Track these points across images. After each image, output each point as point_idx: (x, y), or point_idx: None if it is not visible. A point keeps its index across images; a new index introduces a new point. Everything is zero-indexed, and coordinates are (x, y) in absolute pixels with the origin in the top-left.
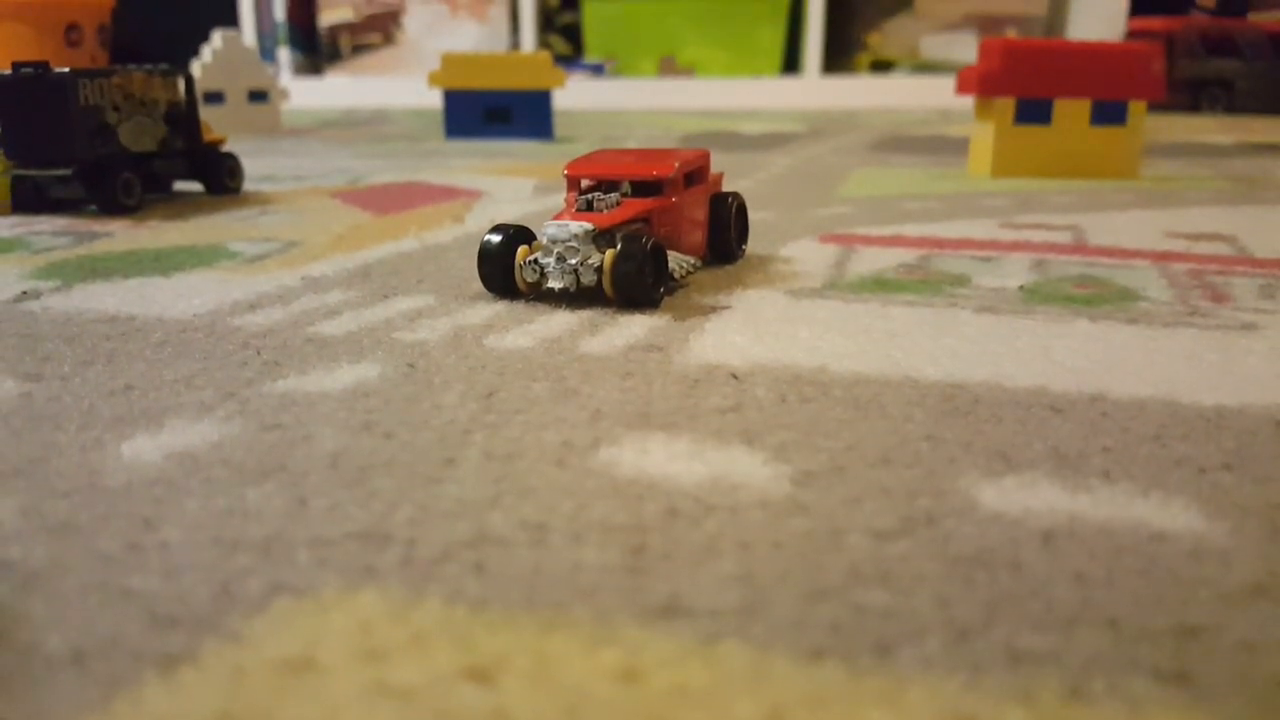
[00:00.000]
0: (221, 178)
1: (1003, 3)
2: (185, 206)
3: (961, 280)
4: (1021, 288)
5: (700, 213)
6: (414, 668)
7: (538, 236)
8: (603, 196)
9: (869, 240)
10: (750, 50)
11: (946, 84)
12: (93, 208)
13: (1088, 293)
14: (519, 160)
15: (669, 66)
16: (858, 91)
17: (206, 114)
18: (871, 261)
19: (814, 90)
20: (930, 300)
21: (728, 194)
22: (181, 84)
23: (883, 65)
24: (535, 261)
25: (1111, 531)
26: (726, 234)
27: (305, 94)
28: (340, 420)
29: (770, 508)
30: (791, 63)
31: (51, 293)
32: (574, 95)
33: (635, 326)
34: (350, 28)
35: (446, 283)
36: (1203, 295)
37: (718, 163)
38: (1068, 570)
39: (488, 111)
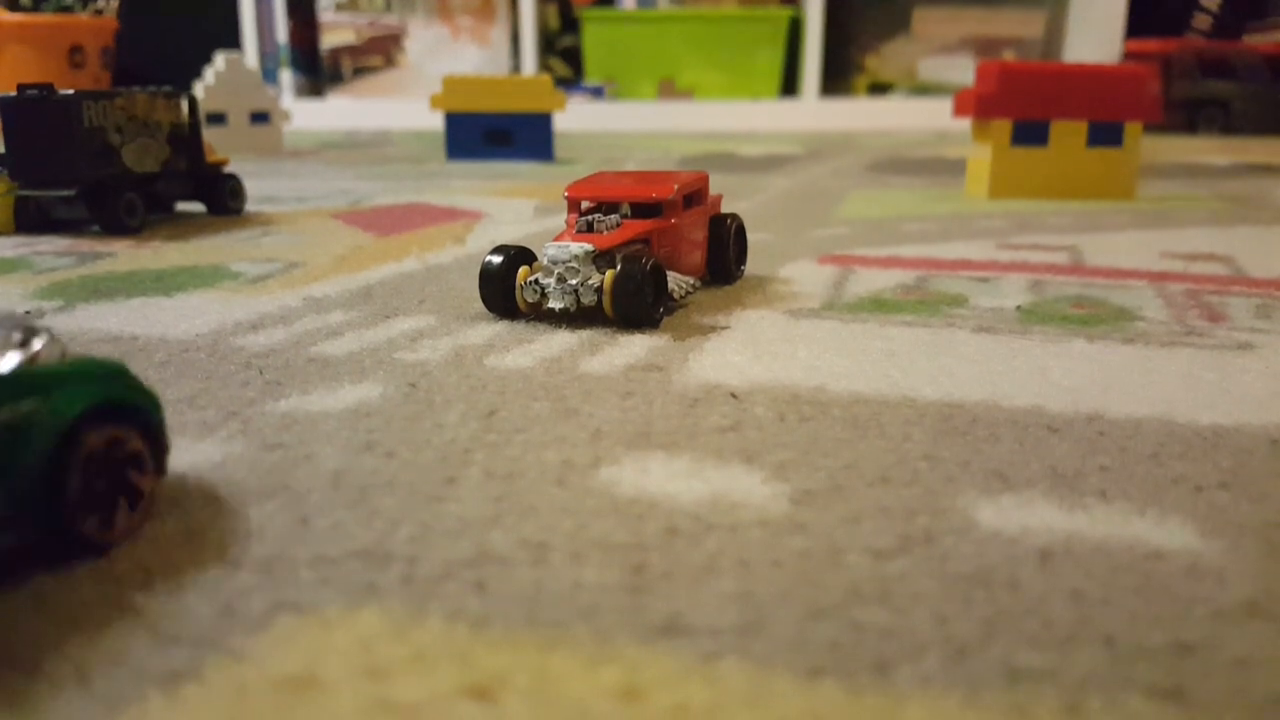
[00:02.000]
0: (224, 199)
1: (1000, 25)
2: (187, 227)
3: (959, 301)
4: (1019, 308)
5: (699, 234)
6: (415, 685)
7: (538, 257)
8: (603, 218)
9: (867, 261)
10: (749, 73)
11: (944, 106)
12: (96, 228)
13: (1085, 313)
14: (520, 182)
15: (668, 89)
16: (855, 114)
17: (209, 135)
18: (869, 282)
19: (812, 112)
20: (928, 320)
21: (726, 215)
22: (185, 105)
23: (880, 88)
24: (536, 282)
25: (1108, 550)
26: (725, 255)
27: (307, 116)
28: (342, 440)
29: (769, 526)
30: (790, 85)
31: (55, 312)
32: (574, 118)
33: (635, 346)
34: (352, 50)
35: (448, 303)
36: (1199, 315)
37: (716, 184)
38: (1065, 588)
39: (489, 134)
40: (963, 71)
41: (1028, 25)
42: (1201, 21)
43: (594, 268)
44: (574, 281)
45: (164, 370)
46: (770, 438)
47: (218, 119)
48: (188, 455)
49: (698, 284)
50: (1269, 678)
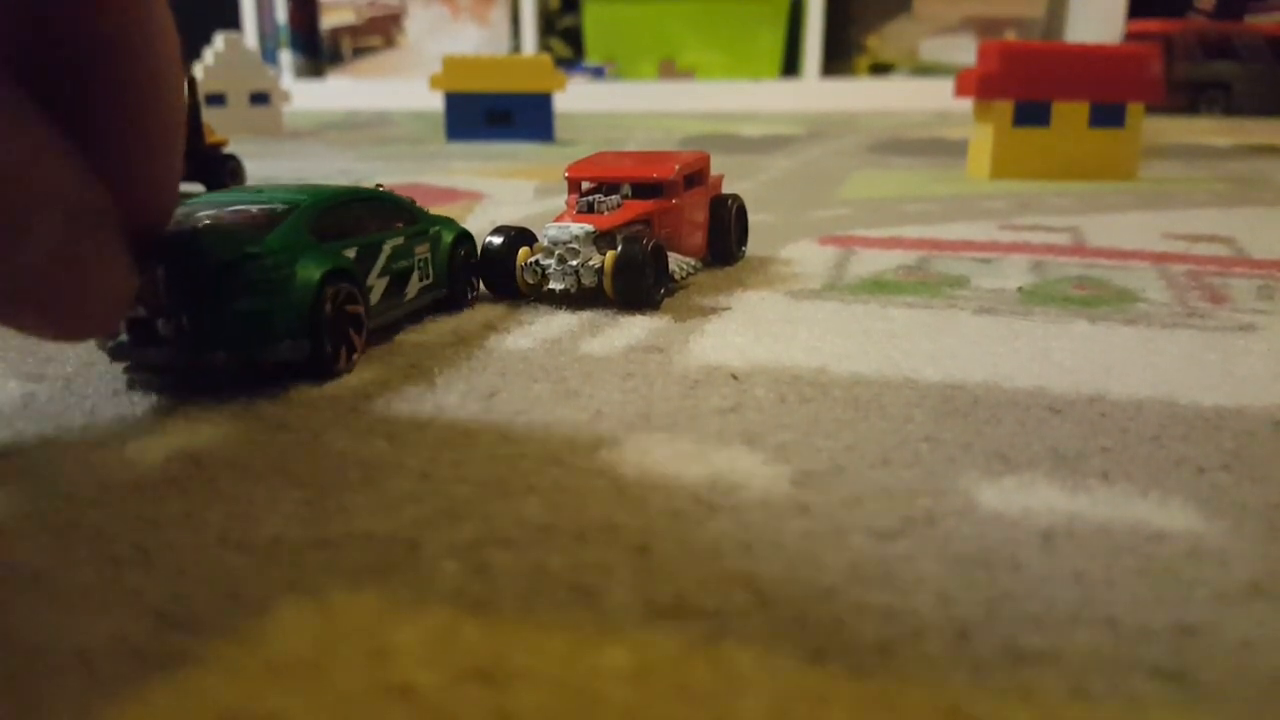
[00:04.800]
0: (223, 179)
1: (1001, 5)
2: None
3: (960, 282)
4: (1020, 289)
5: (700, 214)
6: (418, 668)
7: (539, 238)
8: (604, 198)
9: (868, 242)
10: (750, 53)
11: (945, 86)
12: None
13: (1086, 294)
14: (520, 162)
15: (669, 69)
16: (857, 94)
17: (208, 116)
18: (871, 263)
19: (813, 93)
20: (929, 302)
21: (728, 196)
22: (184, 86)
23: (882, 68)
24: (536, 263)
25: (1110, 531)
26: (726, 236)
27: (307, 96)
28: (344, 422)
29: (771, 508)
30: (791, 65)
31: None
32: (574, 98)
33: (636, 328)
34: (352, 30)
35: None
36: (1201, 296)
37: (718, 165)
38: (1067, 570)
39: (489, 114)
40: (964, 52)
41: (1029, 5)
42: (1204, 2)
43: (594, 249)
44: (574, 262)
45: None
46: (771, 419)
47: (217, 99)
48: (187, 437)
49: (699, 265)
50: (1271, 659)
